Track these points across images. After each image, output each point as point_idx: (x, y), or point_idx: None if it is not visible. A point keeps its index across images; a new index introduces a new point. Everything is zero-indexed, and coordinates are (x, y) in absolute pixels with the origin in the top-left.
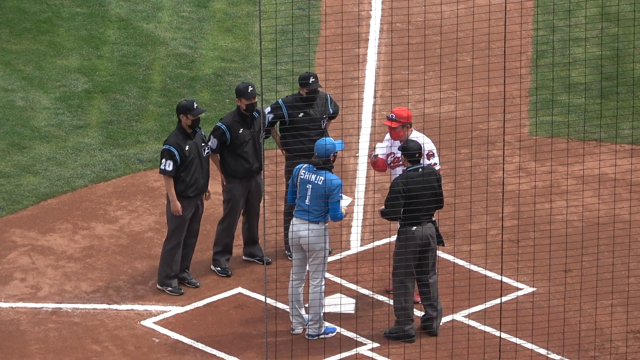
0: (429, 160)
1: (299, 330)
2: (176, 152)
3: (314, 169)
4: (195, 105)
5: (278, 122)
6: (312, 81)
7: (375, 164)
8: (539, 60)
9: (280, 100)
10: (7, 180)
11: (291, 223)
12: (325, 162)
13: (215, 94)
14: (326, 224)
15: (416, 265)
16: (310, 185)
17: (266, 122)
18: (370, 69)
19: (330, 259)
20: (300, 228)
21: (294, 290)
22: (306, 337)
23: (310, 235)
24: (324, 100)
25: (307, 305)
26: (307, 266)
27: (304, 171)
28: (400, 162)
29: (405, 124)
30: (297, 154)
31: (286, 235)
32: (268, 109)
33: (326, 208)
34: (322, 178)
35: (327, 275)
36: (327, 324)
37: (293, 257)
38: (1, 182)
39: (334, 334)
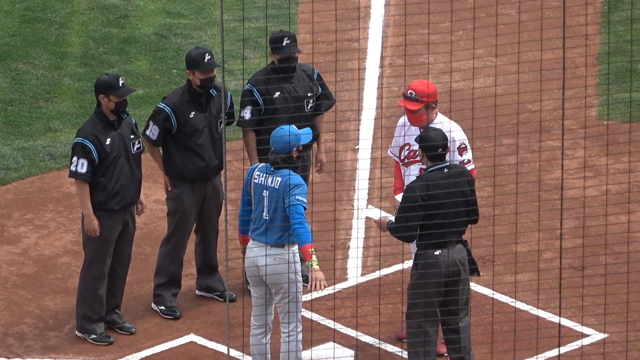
0: (461, 156)
1: None
2: (92, 148)
3: (271, 169)
4: (121, 81)
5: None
6: (287, 43)
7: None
8: (611, 14)
9: (248, 85)
10: None
11: (247, 247)
12: (285, 160)
13: (158, 62)
14: (295, 247)
15: (440, 302)
16: (267, 192)
17: (245, 119)
18: (376, 27)
19: (316, 294)
20: (258, 254)
21: (255, 341)
22: None
23: (272, 264)
24: (310, 74)
25: None
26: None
27: (259, 173)
28: (418, 158)
29: (428, 103)
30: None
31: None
32: (247, 113)
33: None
34: (279, 179)
35: (315, 317)
36: None
37: (252, 296)
38: None
39: None
